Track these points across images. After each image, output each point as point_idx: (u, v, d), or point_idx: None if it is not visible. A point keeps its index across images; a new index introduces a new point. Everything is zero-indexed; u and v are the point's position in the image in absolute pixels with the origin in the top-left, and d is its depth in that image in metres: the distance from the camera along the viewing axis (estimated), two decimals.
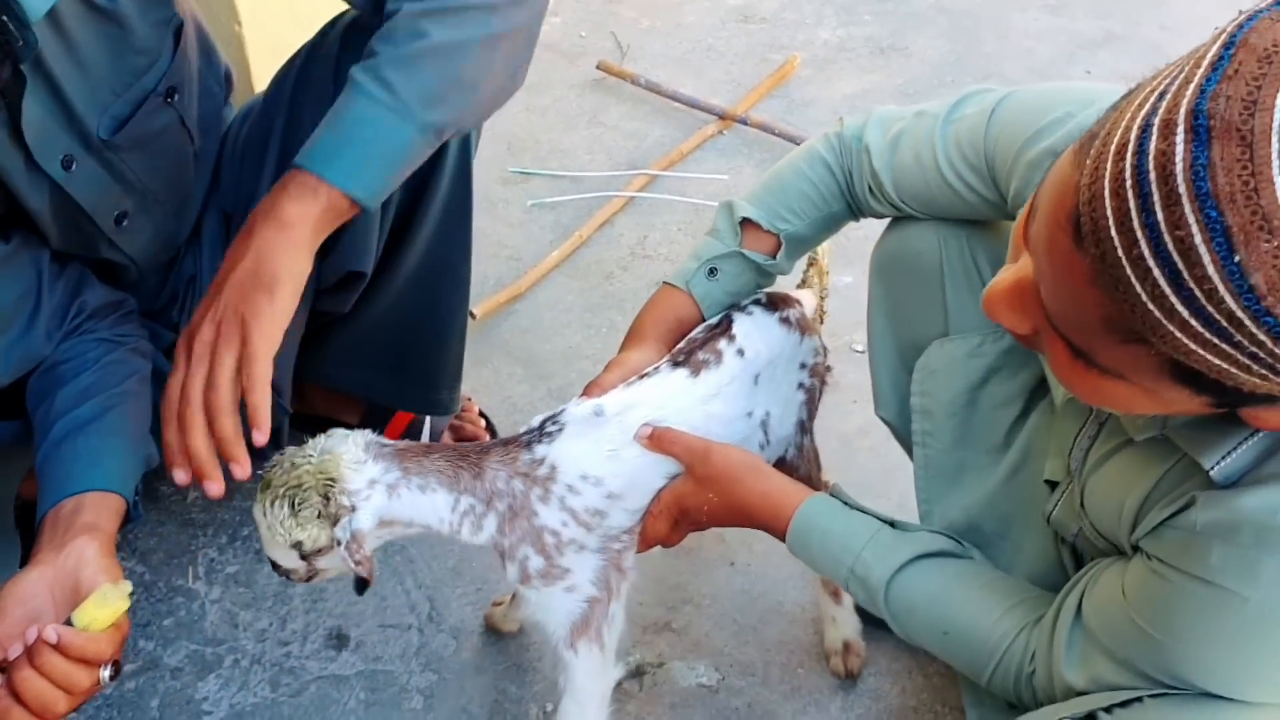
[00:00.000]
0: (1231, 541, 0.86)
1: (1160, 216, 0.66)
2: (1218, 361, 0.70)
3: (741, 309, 1.32)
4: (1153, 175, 0.67)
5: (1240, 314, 0.66)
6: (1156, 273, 0.68)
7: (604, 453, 1.22)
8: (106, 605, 1.06)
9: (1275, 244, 0.64)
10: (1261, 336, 0.67)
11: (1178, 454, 0.93)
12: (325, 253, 1.37)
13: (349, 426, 1.76)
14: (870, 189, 1.26)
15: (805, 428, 1.38)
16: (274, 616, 1.60)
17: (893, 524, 1.18)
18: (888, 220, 1.33)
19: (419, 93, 1.14)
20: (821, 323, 1.47)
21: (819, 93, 2.57)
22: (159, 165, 1.33)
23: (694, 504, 1.23)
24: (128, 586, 1.09)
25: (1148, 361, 0.73)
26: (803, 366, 1.36)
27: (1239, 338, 0.67)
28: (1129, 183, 0.68)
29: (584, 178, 2.34)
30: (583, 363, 1.94)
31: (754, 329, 1.31)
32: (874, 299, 1.37)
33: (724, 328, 1.30)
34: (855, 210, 1.31)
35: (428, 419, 1.75)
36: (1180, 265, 0.67)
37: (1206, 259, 0.65)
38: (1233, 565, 0.86)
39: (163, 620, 1.60)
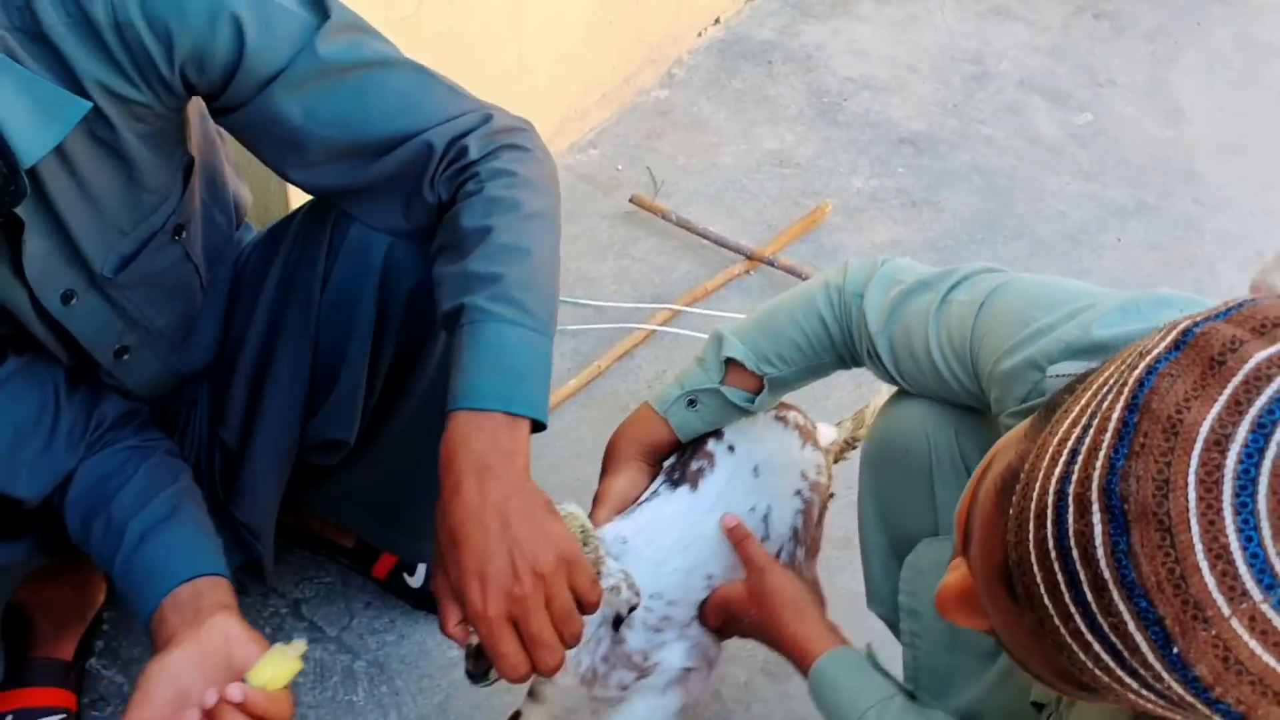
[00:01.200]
0: None
1: (1090, 599, 0.63)
2: (1176, 718, 0.66)
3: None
4: (1076, 555, 0.63)
5: (1190, 698, 0.62)
6: (1098, 648, 0.64)
7: (650, 571, 1.24)
8: (283, 665, 1.03)
9: (1213, 633, 0.59)
10: (1216, 717, 0.62)
11: None
12: (311, 414, 1.35)
13: (345, 550, 1.75)
14: (869, 354, 1.25)
15: (800, 539, 1.37)
16: None
17: (912, 695, 1.15)
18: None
19: (545, 307, 1.15)
20: (837, 461, 1.48)
21: (849, 240, 2.58)
22: (163, 300, 1.31)
23: (738, 610, 1.27)
24: (301, 646, 1.06)
25: (1108, 700, 0.69)
26: (803, 476, 1.35)
27: (1193, 712, 0.63)
28: (1053, 556, 0.64)
29: (607, 308, 2.34)
30: (589, 496, 1.90)
31: (746, 425, 1.33)
32: (864, 490, 1.36)
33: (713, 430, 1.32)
34: (847, 362, 1.30)
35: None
36: (1120, 648, 0.62)
37: (1145, 648, 0.61)
38: None
39: None
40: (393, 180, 1.21)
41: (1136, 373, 0.64)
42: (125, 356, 1.30)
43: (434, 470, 1.55)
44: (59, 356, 1.25)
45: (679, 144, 2.86)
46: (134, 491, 1.22)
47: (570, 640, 1.08)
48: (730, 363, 1.30)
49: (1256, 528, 0.58)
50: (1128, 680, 0.64)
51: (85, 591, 1.66)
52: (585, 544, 1.15)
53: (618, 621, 1.22)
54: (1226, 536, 0.58)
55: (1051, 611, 0.65)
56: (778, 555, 1.35)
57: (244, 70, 1.10)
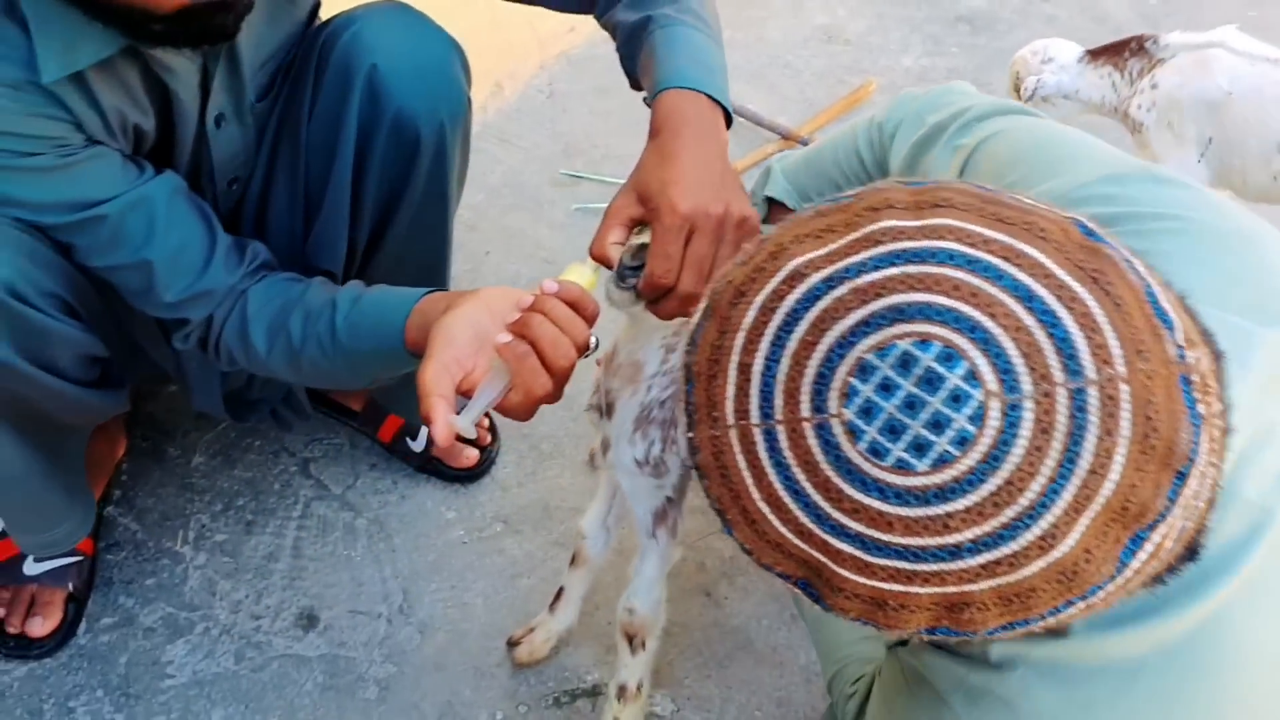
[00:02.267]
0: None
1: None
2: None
3: None
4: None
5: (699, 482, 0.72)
6: None
7: None
8: (584, 273, 1.07)
9: (716, 433, 0.69)
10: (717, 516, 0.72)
11: None
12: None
13: (353, 413, 1.80)
14: None
15: None
16: (251, 589, 1.62)
17: None
18: None
19: (716, 24, 1.26)
20: None
21: None
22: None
23: None
24: (593, 263, 1.09)
25: None
26: None
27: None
28: None
29: None
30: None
31: None
32: None
33: None
34: None
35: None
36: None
37: (684, 426, 0.72)
38: (926, 698, 0.87)
39: (146, 579, 1.63)
40: None
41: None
42: (234, 187, 1.38)
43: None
44: None
45: (726, 17, 2.75)
46: (320, 289, 1.27)
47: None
48: (773, 201, 1.30)
49: (775, 377, 0.67)
50: None
51: (114, 444, 1.75)
52: None
53: None
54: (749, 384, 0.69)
55: None
56: None
57: None
